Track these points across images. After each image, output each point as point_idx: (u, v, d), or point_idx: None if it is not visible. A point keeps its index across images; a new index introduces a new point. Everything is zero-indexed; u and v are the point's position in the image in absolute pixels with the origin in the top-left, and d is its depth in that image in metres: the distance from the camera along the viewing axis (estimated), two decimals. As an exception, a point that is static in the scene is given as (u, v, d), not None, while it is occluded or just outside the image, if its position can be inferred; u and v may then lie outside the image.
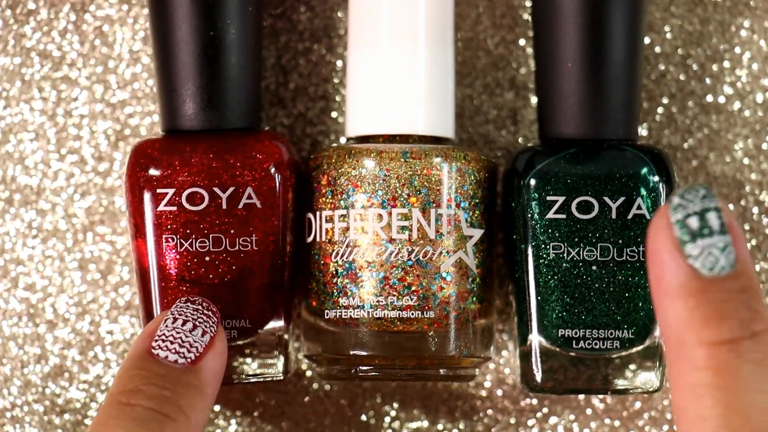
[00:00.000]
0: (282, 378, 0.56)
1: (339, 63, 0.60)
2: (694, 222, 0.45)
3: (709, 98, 0.59)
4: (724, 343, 0.43)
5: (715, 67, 0.59)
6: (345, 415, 0.60)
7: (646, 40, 0.59)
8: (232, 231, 0.55)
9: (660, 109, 0.59)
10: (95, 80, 0.60)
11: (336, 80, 0.60)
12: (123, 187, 0.57)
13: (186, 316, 0.51)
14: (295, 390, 0.60)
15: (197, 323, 0.50)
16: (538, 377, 0.54)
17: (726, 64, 0.59)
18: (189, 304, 0.51)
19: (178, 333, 0.50)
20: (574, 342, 0.54)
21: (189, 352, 0.50)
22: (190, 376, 0.49)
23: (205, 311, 0.51)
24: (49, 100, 0.60)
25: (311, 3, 0.60)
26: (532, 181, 0.54)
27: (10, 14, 0.61)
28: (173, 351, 0.49)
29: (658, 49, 0.59)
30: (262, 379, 0.55)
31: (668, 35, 0.59)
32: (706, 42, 0.59)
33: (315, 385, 0.60)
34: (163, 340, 0.50)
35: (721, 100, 0.59)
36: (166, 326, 0.50)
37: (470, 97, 0.60)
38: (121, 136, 0.60)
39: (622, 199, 0.53)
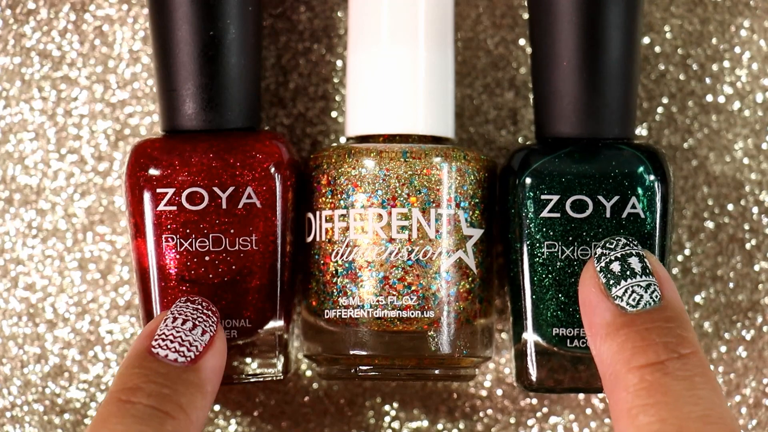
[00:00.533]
0: (282, 378, 0.56)
1: (339, 63, 0.60)
2: (616, 266, 0.49)
3: (709, 98, 0.59)
4: (652, 365, 0.45)
5: (715, 67, 0.59)
6: (345, 415, 0.60)
7: (646, 40, 0.59)
8: (231, 231, 0.55)
9: (660, 109, 0.59)
10: (95, 80, 0.60)
11: (336, 80, 0.60)
12: (123, 187, 0.57)
13: (186, 316, 0.51)
14: (295, 390, 0.60)
15: (197, 322, 0.50)
16: (533, 376, 0.54)
17: (726, 64, 0.59)
18: (189, 303, 0.51)
19: (178, 332, 0.50)
20: (568, 341, 0.54)
21: (189, 350, 0.50)
22: (190, 374, 0.49)
23: (205, 311, 0.51)
24: (49, 99, 0.60)
25: (311, 3, 0.60)
26: (527, 180, 0.54)
27: (10, 14, 0.61)
28: (173, 350, 0.50)
29: (658, 49, 0.59)
30: (262, 379, 0.55)
31: (668, 35, 0.59)
32: (706, 42, 0.59)
33: (315, 385, 0.60)
34: (163, 339, 0.50)
35: (721, 99, 0.59)
36: (166, 325, 0.50)
37: (470, 97, 0.60)
38: (121, 135, 0.60)
39: (616, 198, 0.53)
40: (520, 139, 0.60)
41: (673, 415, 0.44)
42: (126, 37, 0.60)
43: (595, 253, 0.50)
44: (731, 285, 0.59)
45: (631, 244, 0.50)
